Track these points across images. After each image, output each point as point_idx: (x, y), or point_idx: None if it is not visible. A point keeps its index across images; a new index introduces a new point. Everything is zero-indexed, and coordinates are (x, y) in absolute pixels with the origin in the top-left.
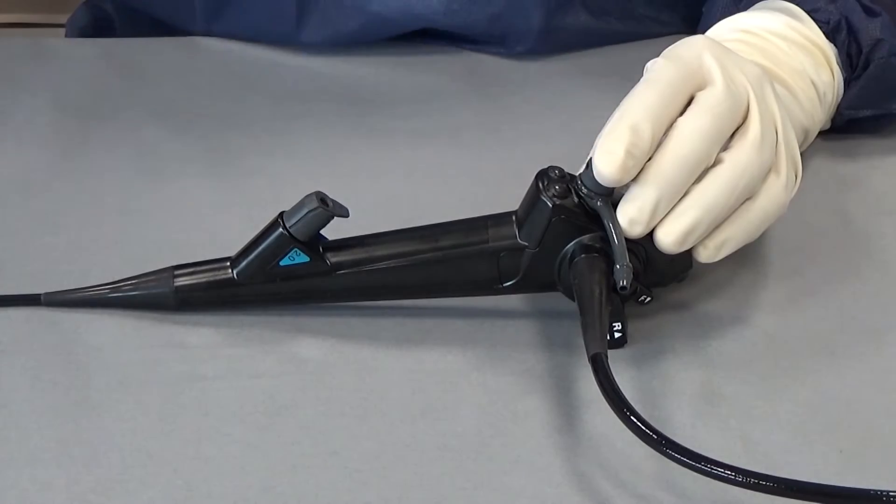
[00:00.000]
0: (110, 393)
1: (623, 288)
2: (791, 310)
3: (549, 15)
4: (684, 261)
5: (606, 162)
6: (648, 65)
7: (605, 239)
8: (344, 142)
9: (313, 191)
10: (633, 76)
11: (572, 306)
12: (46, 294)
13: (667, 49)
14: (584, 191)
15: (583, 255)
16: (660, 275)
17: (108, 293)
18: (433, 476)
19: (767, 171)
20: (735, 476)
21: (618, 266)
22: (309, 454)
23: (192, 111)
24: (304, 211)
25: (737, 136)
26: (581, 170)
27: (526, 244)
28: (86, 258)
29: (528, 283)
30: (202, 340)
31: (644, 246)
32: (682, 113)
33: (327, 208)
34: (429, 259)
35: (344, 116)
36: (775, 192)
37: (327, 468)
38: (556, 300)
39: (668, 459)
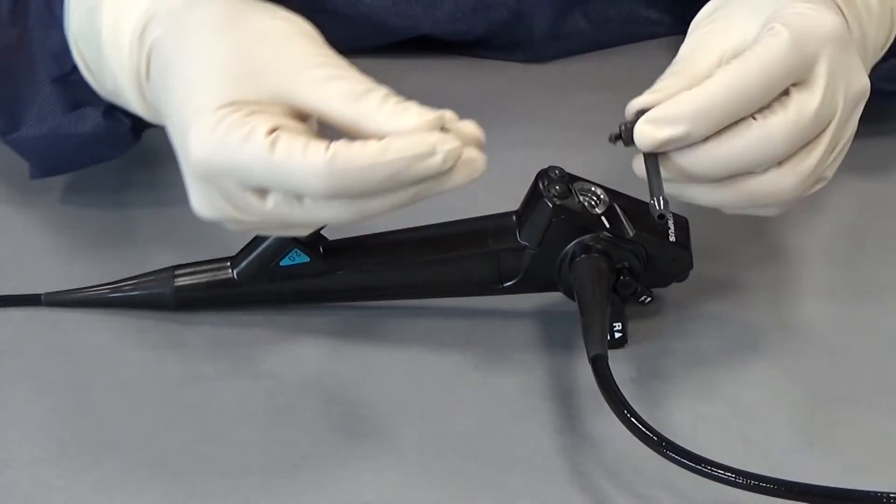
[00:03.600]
0: (110, 393)
1: (661, 216)
2: (791, 310)
3: (550, 23)
4: (684, 261)
5: (646, 135)
6: (765, 32)
7: (606, 239)
8: None
9: None
10: (633, 77)
11: (572, 306)
12: (47, 294)
13: (794, 12)
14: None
15: (583, 256)
16: (660, 275)
17: (108, 293)
18: (433, 476)
19: (792, 194)
20: (735, 478)
21: (651, 201)
22: (309, 454)
23: None
24: None
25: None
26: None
27: (526, 244)
28: (86, 258)
29: (529, 284)
30: (202, 340)
31: (644, 246)
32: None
33: None
34: (429, 259)
35: None
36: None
37: (327, 468)
38: (556, 300)
39: (667, 460)
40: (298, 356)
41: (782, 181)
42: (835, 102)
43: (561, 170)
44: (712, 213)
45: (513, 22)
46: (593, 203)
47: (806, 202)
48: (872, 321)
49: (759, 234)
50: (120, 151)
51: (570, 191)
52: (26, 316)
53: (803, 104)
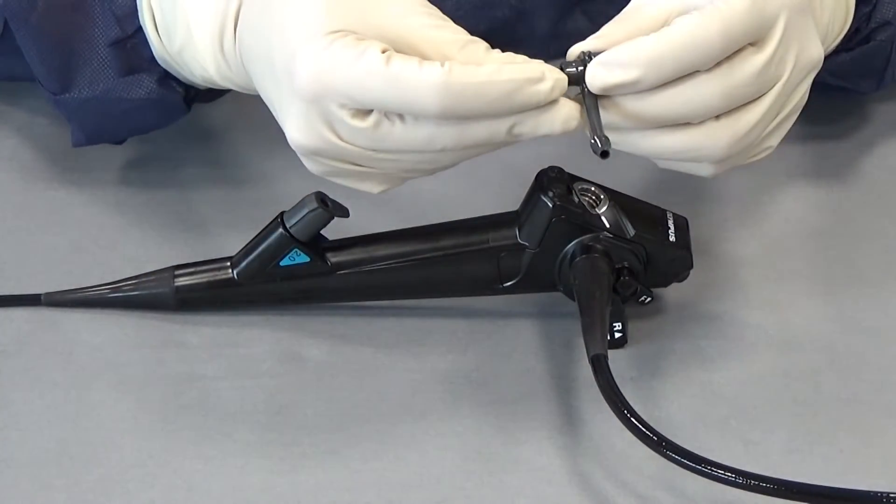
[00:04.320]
0: (110, 393)
1: (605, 153)
2: (791, 310)
3: (552, 22)
4: (684, 261)
5: (597, 77)
6: None
7: (606, 239)
8: None
9: (313, 191)
10: None
11: (572, 306)
12: (46, 294)
13: None
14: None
15: (583, 256)
16: (660, 275)
17: (108, 293)
18: (433, 476)
19: (726, 150)
20: (735, 477)
21: (591, 140)
22: (309, 454)
23: (192, 111)
24: (304, 211)
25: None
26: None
27: (526, 244)
28: (86, 258)
29: (529, 283)
30: (202, 340)
31: (644, 246)
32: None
33: (327, 209)
34: (429, 259)
35: None
36: (719, 141)
37: (327, 468)
38: (556, 300)
39: (667, 460)
40: (298, 356)
41: (717, 135)
42: (783, 65)
43: (561, 170)
44: (713, 214)
45: (514, 20)
46: (593, 203)
47: (807, 202)
48: (872, 321)
49: (758, 234)
50: (167, 121)
51: (570, 191)
52: (26, 316)
53: (748, 60)
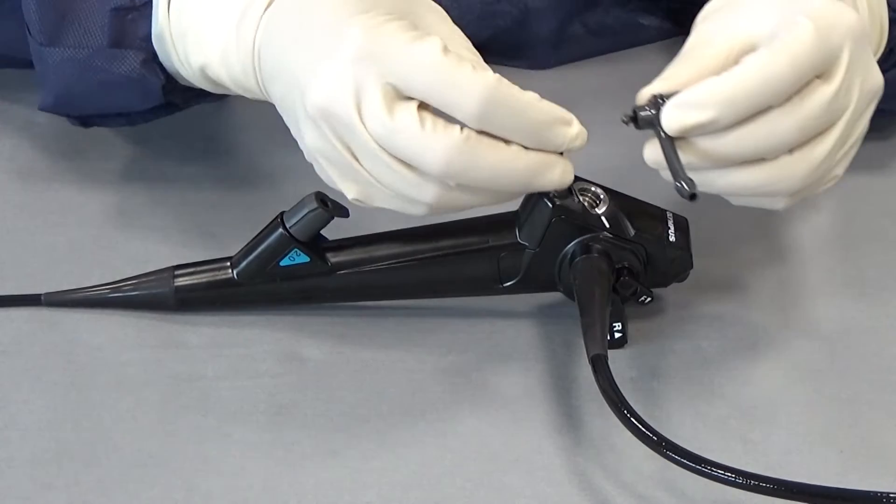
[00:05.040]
0: (110, 393)
1: (693, 196)
2: (791, 310)
3: (552, 31)
4: (684, 261)
5: (674, 119)
6: (790, 24)
7: (606, 239)
8: None
9: (313, 191)
10: (633, 81)
11: (572, 306)
12: (47, 294)
13: (816, 6)
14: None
15: (583, 256)
16: (660, 275)
17: (108, 293)
18: (433, 476)
19: (801, 182)
20: (734, 477)
21: (676, 184)
22: (309, 454)
23: (192, 111)
24: (304, 211)
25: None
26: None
27: (526, 244)
28: (86, 258)
29: (529, 283)
30: (202, 340)
31: (644, 246)
32: None
33: (327, 209)
34: (429, 259)
35: None
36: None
37: (327, 468)
38: (556, 300)
39: (667, 460)
40: (298, 356)
41: (793, 168)
42: (850, 95)
43: None
44: (713, 213)
45: (516, 29)
46: (593, 203)
47: (807, 202)
48: (872, 321)
49: (759, 234)
50: (140, 105)
51: (570, 191)
52: (26, 316)
53: (818, 93)
